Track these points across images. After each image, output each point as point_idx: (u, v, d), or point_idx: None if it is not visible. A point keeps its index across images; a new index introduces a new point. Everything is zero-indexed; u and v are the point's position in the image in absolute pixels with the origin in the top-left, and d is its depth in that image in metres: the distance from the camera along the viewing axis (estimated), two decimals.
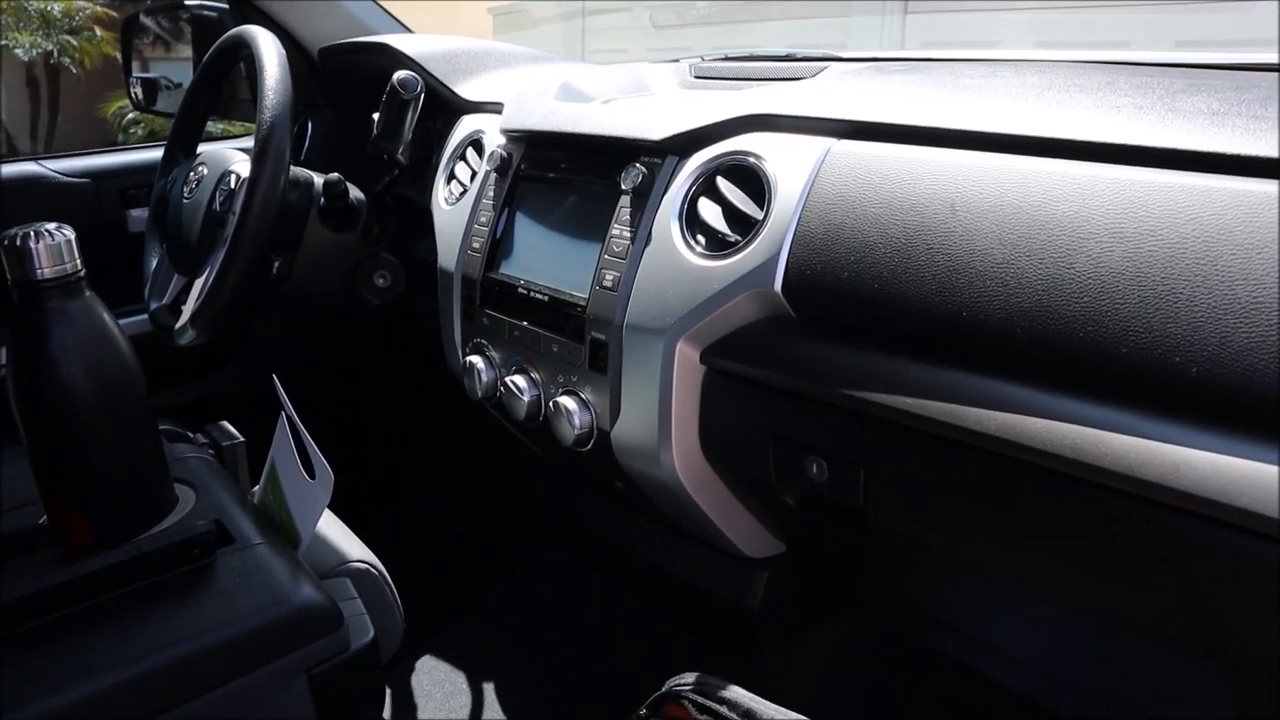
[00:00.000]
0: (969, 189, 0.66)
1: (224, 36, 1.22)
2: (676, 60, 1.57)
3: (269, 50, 1.07)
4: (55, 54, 10.07)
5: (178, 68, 1.86)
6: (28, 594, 0.61)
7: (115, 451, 0.70)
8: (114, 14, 9.94)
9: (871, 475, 0.74)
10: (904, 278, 0.68)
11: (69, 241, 0.67)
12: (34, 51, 10.06)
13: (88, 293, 0.69)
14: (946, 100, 0.77)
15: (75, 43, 10.14)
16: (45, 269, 0.66)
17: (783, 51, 1.47)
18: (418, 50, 1.26)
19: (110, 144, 9.16)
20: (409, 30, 1.58)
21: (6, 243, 0.66)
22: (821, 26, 5.63)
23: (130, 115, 8.49)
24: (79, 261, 0.68)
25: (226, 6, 1.60)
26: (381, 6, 1.57)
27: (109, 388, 0.69)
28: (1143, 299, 0.55)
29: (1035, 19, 5.01)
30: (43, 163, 1.52)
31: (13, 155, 10.37)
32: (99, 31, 10.28)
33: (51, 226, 0.67)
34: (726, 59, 1.51)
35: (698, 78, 1.16)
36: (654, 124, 0.87)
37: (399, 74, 1.08)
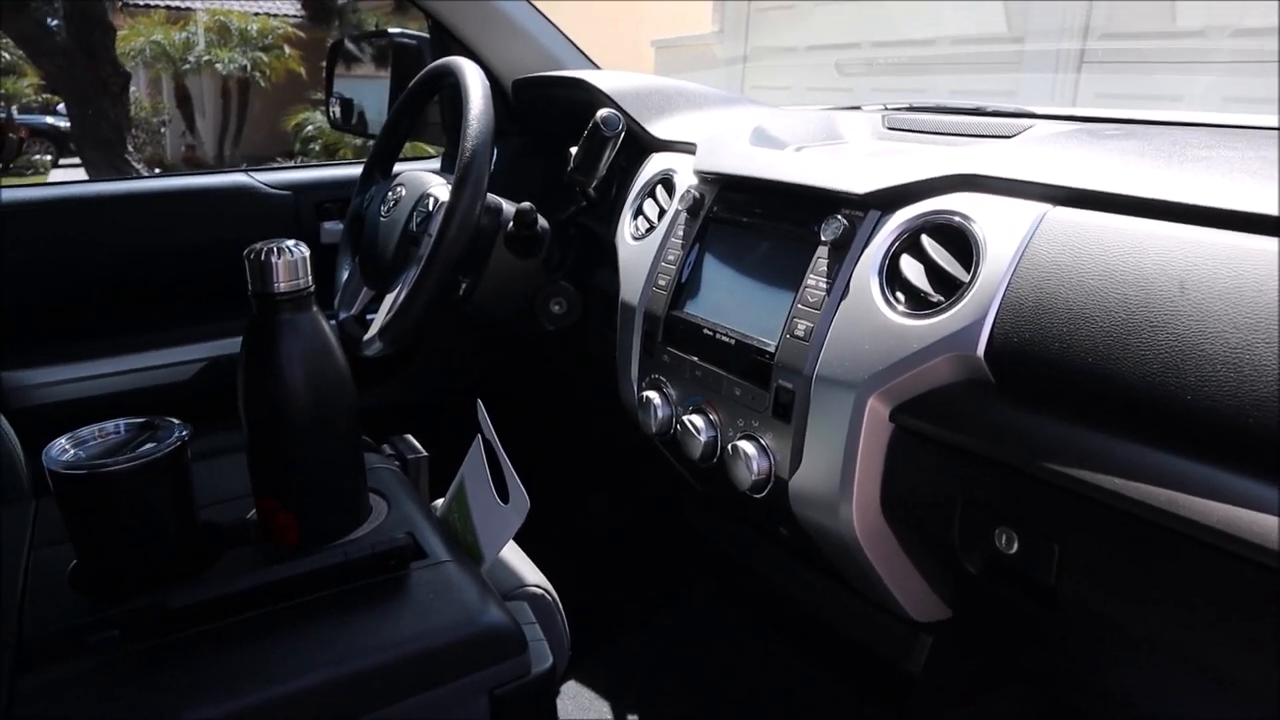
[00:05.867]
0: (1201, 267, 0.63)
1: (431, 65, 1.28)
2: (858, 107, 1.56)
3: (475, 83, 1.12)
4: (249, 69, 10.85)
5: (353, 84, 1.98)
6: (245, 588, 0.65)
7: (326, 456, 0.74)
8: (302, 34, 10.64)
9: (1067, 552, 0.70)
10: (1123, 354, 0.65)
11: (304, 259, 0.72)
12: (231, 66, 10.86)
13: (314, 307, 0.73)
14: (1174, 171, 0.73)
15: (266, 59, 10.89)
16: (282, 283, 0.71)
17: (971, 105, 1.44)
18: (612, 86, 1.30)
19: (288, 154, 9.77)
20: (596, 65, 1.62)
21: (251, 256, 0.70)
22: (989, 81, 5.45)
23: (309, 130, 9.05)
24: (310, 278, 0.73)
25: (426, 35, 1.68)
26: (572, 42, 1.62)
27: (327, 397, 0.73)
28: None
29: (1221, 81, 4.72)
30: (252, 174, 1.63)
31: (215, 161, 11.19)
32: (287, 49, 11.02)
33: (290, 244, 0.72)
34: (912, 109, 1.49)
35: (891, 129, 1.15)
36: (857, 177, 0.86)
37: (602, 112, 1.11)
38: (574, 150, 1.17)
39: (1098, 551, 0.69)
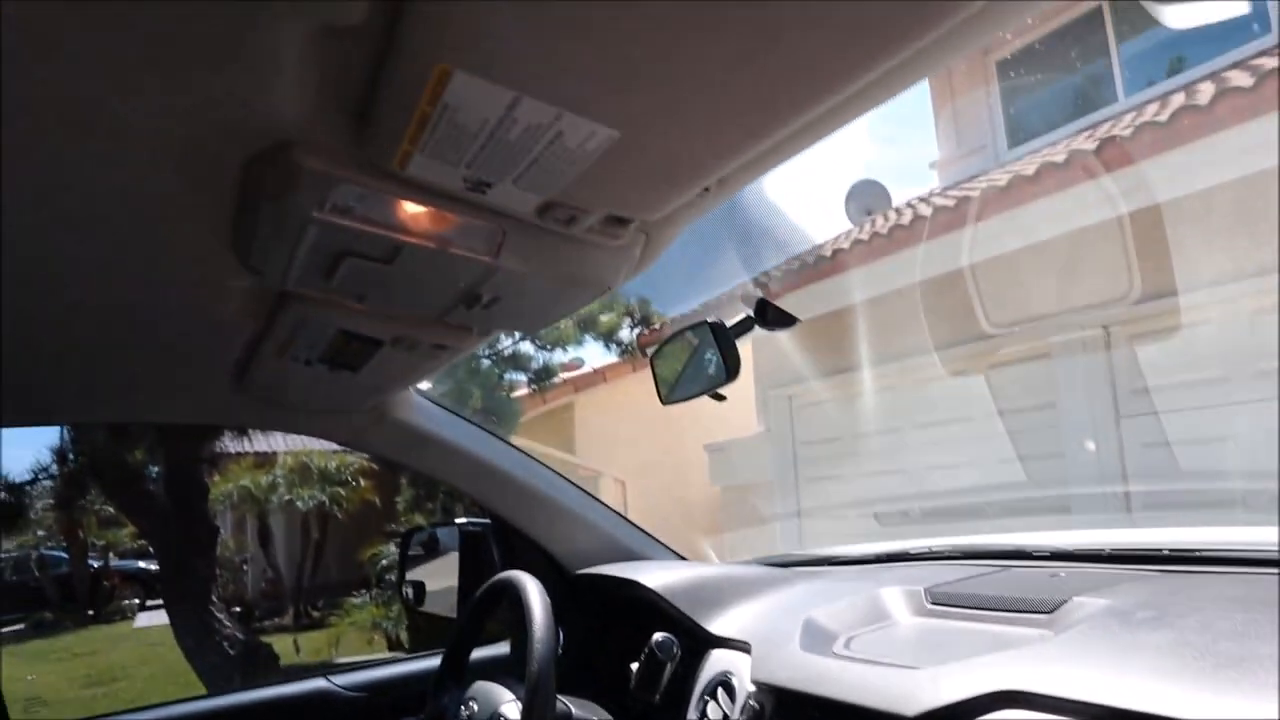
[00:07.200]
0: None
1: (494, 579, 1.38)
2: (906, 553, 1.62)
3: (536, 600, 1.20)
4: (327, 503, 11.46)
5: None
6: None
7: None
8: (375, 466, 11.33)
9: None
10: None
11: None
12: (311, 502, 11.51)
13: None
14: (1207, 685, 0.75)
15: (344, 493, 11.54)
16: None
17: (1012, 546, 1.49)
18: (663, 584, 1.37)
19: (365, 582, 10.04)
20: (663, 545, 1.71)
21: None
22: (1038, 521, 5.18)
23: (384, 563, 9.33)
24: None
25: (489, 522, 1.82)
26: (638, 527, 1.73)
27: None
28: None
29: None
30: (330, 678, 1.70)
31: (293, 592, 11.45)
32: (362, 482, 11.68)
33: None
34: (952, 557, 1.54)
35: (934, 604, 1.19)
36: (906, 695, 0.89)
37: (657, 637, 1.18)
38: (634, 667, 1.23)
39: None
